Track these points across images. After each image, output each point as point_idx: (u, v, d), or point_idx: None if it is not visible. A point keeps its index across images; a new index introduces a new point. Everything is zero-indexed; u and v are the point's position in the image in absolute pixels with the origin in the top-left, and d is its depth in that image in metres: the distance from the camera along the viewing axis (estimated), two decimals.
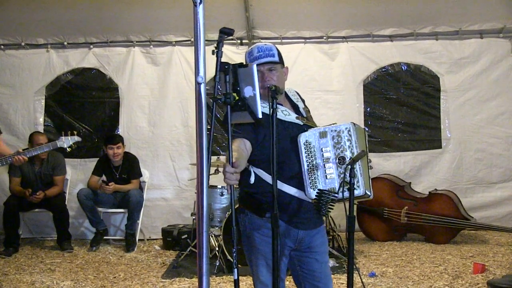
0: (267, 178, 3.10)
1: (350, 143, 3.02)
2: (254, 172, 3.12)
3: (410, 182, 7.49)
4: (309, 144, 3.06)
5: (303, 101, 3.43)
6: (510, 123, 7.80)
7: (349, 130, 3.03)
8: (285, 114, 3.18)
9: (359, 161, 2.99)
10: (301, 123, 3.20)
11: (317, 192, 3.01)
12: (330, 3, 7.61)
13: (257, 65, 3.14)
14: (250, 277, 5.46)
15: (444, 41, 7.85)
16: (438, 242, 7.04)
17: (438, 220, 6.99)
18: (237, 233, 2.60)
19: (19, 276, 5.94)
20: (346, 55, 7.93)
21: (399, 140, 8.09)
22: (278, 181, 3.07)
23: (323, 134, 3.06)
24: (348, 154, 3.00)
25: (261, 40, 7.89)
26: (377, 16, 7.68)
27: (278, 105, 3.17)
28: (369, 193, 3.07)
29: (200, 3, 2.19)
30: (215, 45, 2.54)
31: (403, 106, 8.12)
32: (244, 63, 3.19)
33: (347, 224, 2.93)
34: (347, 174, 2.86)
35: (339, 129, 3.04)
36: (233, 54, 7.84)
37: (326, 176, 3.02)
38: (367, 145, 3.27)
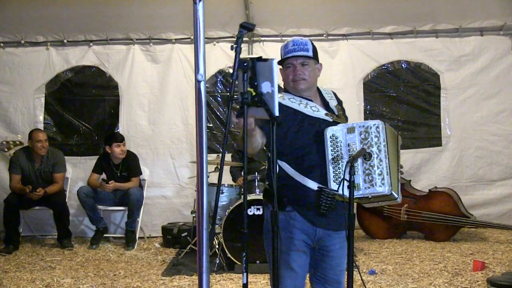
0: (289, 170, 3.10)
1: (378, 140, 2.96)
2: (279, 164, 3.10)
3: (410, 180, 7.49)
4: (336, 139, 3.03)
5: (340, 102, 3.39)
6: (510, 121, 7.79)
7: (377, 127, 2.98)
8: (314, 110, 3.17)
9: (386, 159, 2.94)
10: (331, 120, 3.17)
11: (317, 189, 3.01)
12: (330, 0, 7.60)
13: (290, 57, 3.14)
14: (251, 274, 5.50)
15: (444, 39, 7.84)
16: (438, 239, 7.04)
17: (438, 218, 6.99)
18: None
19: (19, 274, 5.95)
20: (346, 52, 7.93)
21: None
22: (301, 175, 3.09)
23: (351, 130, 3.02)
24: (374, 150, 2.94)
25: (261, 38, 7.90)
26: (377, 14, 7.67)
27: (307, 101, 3.18)
28: (396, 195, 3.00)
29: (200, 0, 2.18)
30: (234, 41, 2.50)
31: (403, 104, 8.11)
32: (280, 56, 3.19)
33: (347, 222, 2.93)
34: (347, 172, 2.85)
35: (367, 125, 3.00)
36: (233, 51, 7.82)
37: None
38: (399, 149, 3.22)
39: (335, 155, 3.01)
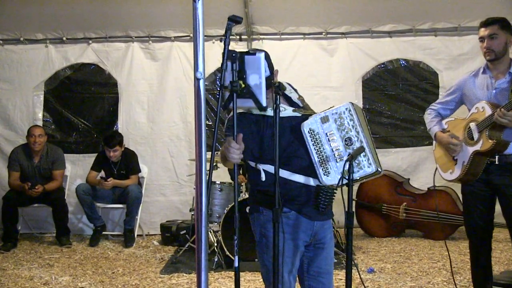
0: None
1: (353, 123, 3.01)
2: (263, 170, 3.10)
3: (409, 178, 7.50)
4: (313, 132, 3.04)
5: (295, 90, 3.39)
6: None
7: (349, 110, 3.03)
8: (281, 110, 3.13)
9: (365, 139, 2.99)
10: (299, 115, 3.18)
11: (315, 188, 3.02)
12: None
13: None
14: (249, 273, 5.50)
15: (443, 37, 7.84)
16: (436, 238, 7.05)
17: (437, 216, 7.00)
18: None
19: (17, 271, 5.95)
20: (345, 51, 7.92)
21: (398, 136, 8.10)
22: (288, 172, 3.08)
23: (324, 119, 3.04)
24: (353, 134, 2.99)
25: (260, 36, 7.89)
26: (376, 12, 7.66)
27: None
28: (380, 170, 3.05)
29: None
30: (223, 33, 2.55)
31: (401, 102, 8.12)
32: (248, 51, 3.18)
33: (346, 220, 2.93)
34: (345, 170, 2.86)
35: (339, 111, 3.04)
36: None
37: (336, 160, 3.01)
38: (367, 123, 3.26)
39: (318, 149, 3.04)
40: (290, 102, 3.28)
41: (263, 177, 3.09)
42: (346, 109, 3.03)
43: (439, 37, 7.83)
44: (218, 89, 2.60)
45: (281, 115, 3.09)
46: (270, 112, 3.05)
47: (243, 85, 2.60)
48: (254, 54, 2.65)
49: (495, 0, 7.47)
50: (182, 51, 7.92)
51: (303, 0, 7.56)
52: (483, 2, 7.46)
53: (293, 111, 3.19)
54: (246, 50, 2.74)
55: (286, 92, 3.30)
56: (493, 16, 4.63)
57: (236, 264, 2.64)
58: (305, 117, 3.14)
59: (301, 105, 3.28)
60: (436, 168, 4.52)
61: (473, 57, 7.77)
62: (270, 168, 3.07)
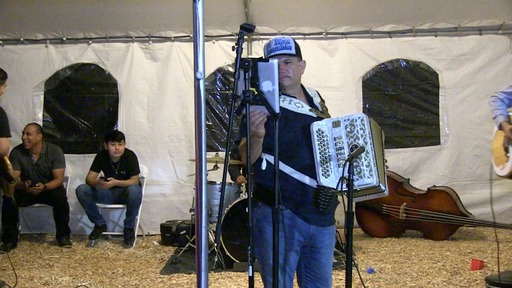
0: (280, 165, 3.06)
1: (363, 132, 2.98)
2: (266, 159, 3.10)
3: (409, 179, 7.49)
4: (322, 133, 3.03)
5: (319, 95, 3.45)
6: None
7: (362, 120, 3.01)
8: (298, 106, 3.18)
9: (372, 151, 2.96)
10: (315, 115, 3.20)
11: (315, 188, 3.01)
12: None
13: (273, 56, 3.17)
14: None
15: (443, 38, 7.85)
16: (436, 238, 7.05)
17: (437, 217, 7.00)
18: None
19: (17, 272, 5.93)
20: (345, 51, 7.92)
21: (398, 136, 8.09)
22: (291, 168, 3.09)
23: (336, 124, 3.03)
24: (360, 143, 2.96)
25: (260, 36, 7.90)
26: (376, 13, 7.67)
27: (291, 98, 3.21)
28: (383, 187, 3.02)
29: None
30: (236, 41, 2.57)
31: (402, 102, 8.11)
32: (263, 56, 3.22)
33: (346, 220, 2.93)
34: (346, 170, 2.85)
35: (352, 118, 3.03)
36: (234, 51, 7.81)
37: (338, 164, 2.98)
38: (383, 144, 3.25)
39: (322, 150, 3.03)
40: (310, 103, 3.30)
41: (264, 166, 3.09)
42: (359, 117, 3.02)
43: (439, 37, 7.84)
44: (230, 99, 2.61)
45: (297, 111, 3.16)
46: (286, 105, 3.13)
47: (256, 92, 2.59)
48: (267, 60, 2.64)
49: (495, 0, 7.48)
50: (182, 51, 7.93)
51: (303, 0, 7.56)
52: (483, 2, 7.48)
53: (310, 110, 3.22)
54: (259, 56, 2.75)
55: (310, 93, 3.37)
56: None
57: (250, 273, 2.64)
58: (319, 119, 3.15)
59: (320, 109, 3.30)
60: (492, 160, 4.46)
61: (473, 57, 7.79)
62: (271, 158, 3.07)
